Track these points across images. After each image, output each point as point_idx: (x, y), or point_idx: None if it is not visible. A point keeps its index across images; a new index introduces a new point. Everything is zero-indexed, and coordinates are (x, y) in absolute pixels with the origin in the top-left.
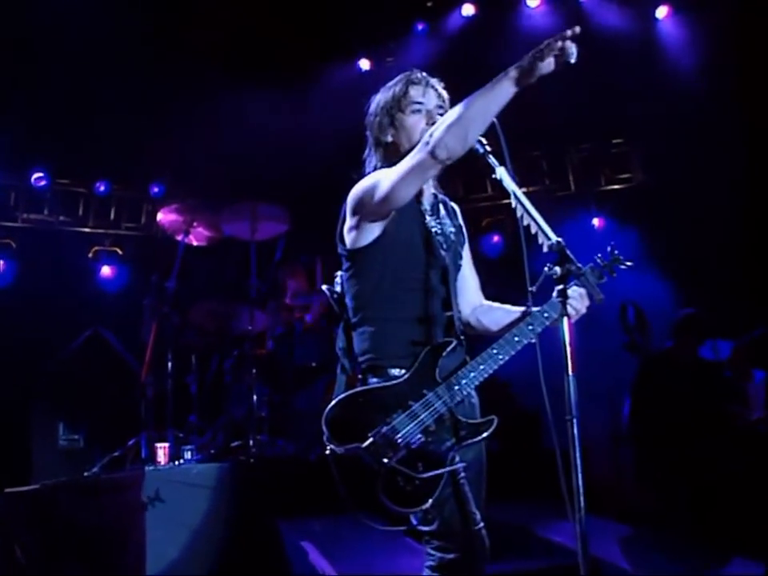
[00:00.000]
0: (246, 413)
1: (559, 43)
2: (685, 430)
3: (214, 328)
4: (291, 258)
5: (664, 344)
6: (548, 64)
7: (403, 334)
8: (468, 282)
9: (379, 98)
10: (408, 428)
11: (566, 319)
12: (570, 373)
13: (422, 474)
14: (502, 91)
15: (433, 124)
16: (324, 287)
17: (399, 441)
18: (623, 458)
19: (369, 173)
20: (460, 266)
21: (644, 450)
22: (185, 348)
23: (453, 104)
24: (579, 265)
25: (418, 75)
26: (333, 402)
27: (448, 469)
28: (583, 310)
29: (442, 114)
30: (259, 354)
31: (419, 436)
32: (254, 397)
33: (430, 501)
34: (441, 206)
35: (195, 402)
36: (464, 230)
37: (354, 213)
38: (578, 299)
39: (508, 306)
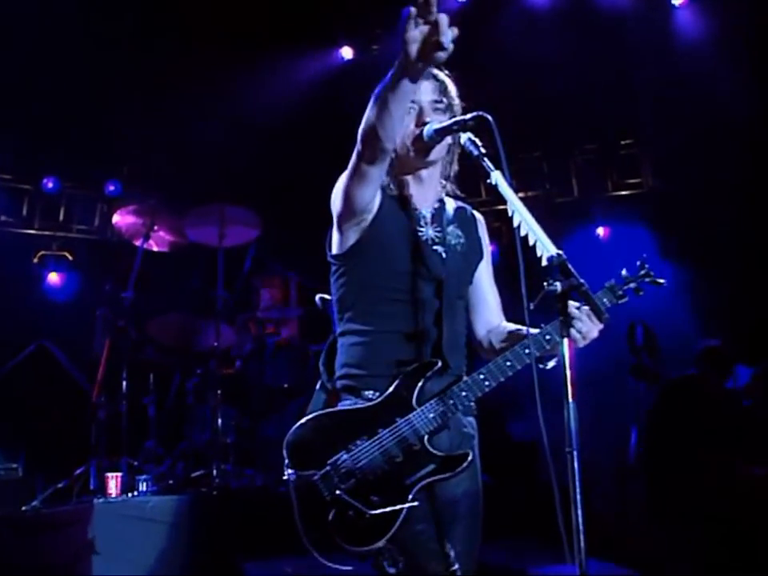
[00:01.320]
0: (210, 439)
1: (412, 30)
2: (704, 464)
3: (175, 343)
4: (262, 267)
5: (686, 370)
6: (412, 55)
7: (385, 350)
8: (486, 299)
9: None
10: (371, 457)
11: (566, 341)
12: (570, 399)
13: (373, 510)
14: (394, 85)
15: (424, 124)
16: (317, 297)
17: (358, 470)
18: (630, 493)
19: None
20: (469, 281)
21: (657, 486)
22: (142, 365)
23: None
24: (582, 280)
25: None
26: (297, 424)
27: (406, 505)
28: (594, 334)
29: (438, 110)
30: (226, 374)
31: (382, 466)
32: (219, 421)
33: (384, 539)
34: (451, 214)
35: (153, 426)
36: (483, 242)
37: (332, 215)
38: (586, 321)
39: (522, 328)
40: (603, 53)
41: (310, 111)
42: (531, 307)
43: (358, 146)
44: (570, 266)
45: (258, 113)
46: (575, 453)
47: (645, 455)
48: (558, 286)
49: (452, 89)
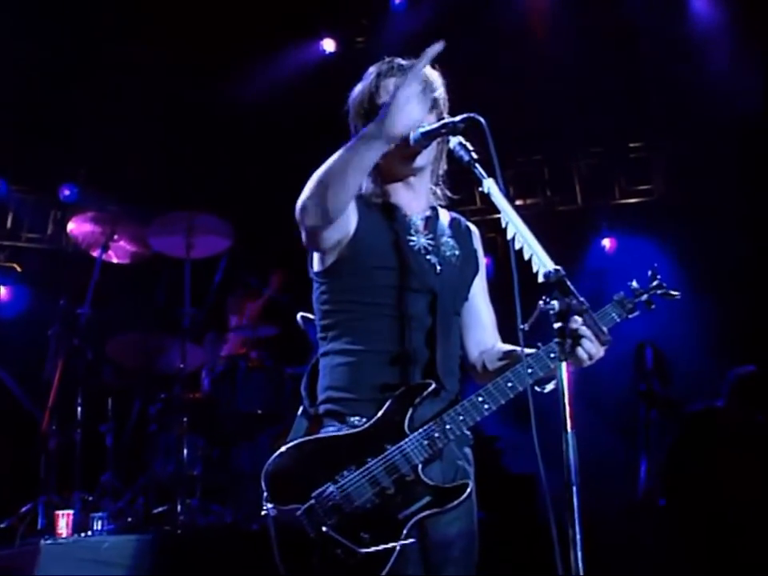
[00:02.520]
0: (174, 471)
1: (415, 84)
2: (733, 507)
3: (136, 365)
4: (235, 281)
5: (711, 401)
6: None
7: (373, 372)
8: (480, 318)
9: (352, 99)
10: (359, 489)
11: (564, 365)
12: (569, 429)
13: (364, 548)
14: (364, 152)
15: None
16: (299, 315)
17: (346, 504)
18: (638, 531)
19: None
20: (465, 296)
21: (676, 528)
22: (99, 390)
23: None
24: (582, 299)
25: (392, 64)
26: (277, 452)
27: (399, 543)
28: (600, 353)
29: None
30: (192, 399)
31: (372, 500)
32: (185, 451)
33: None
34: (446, 224)
35: (110, 457)
36: (479, 255)
37: None
38: (593, 339)
39: (521, 350)
40: (610, 47)
41: (288, 110)
42: (526, 327)
43: (298, 211)
44: (568, 284)
45: (230, 111)
46: (575, 488)
47: (664, 497)
48: (556, 304)
49: (437, 82)
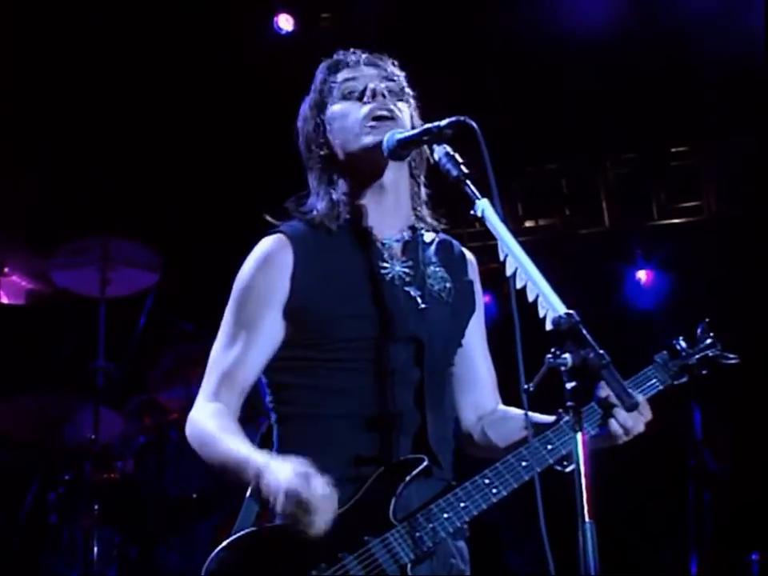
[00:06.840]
0: (81, 575)
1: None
2: None
3: (31, 437)
4: (163, 326)
5: None
6: None
7: (341, 442)
8: (478, 372)
9: (299, 128)
10: None
11: (579, 435)
12: (587, 519)
13: None
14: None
15: (373, 119)
16: None
17: None
18: None
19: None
20: (459, 343)
21: None
22: None
23: (418, 83)
24: (601, 351)
25: (346, 57)
26: (222, 545)
27: None
28: (640, 428)
29: (393, 93)
30: (107, 480)
31: None
32: (96, 549)
33: None
34: (432, 249)
35: None
36: (476, 289)
37: None
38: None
39: (533, 415)
40: (649, 26)
41: (232, 105)
42: (531, 388)
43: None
44: (584, 332)
45: (157, 107)
46: None
47: None
48: (568, 359)
49: (401, 76)
